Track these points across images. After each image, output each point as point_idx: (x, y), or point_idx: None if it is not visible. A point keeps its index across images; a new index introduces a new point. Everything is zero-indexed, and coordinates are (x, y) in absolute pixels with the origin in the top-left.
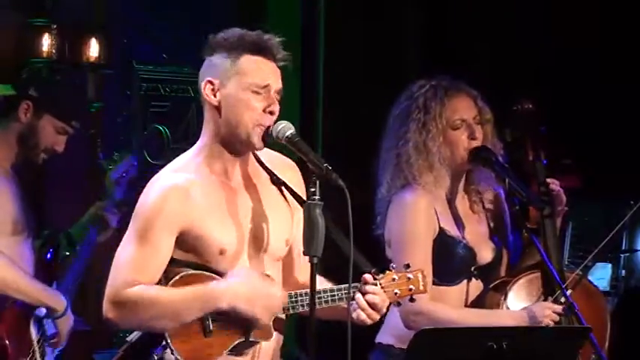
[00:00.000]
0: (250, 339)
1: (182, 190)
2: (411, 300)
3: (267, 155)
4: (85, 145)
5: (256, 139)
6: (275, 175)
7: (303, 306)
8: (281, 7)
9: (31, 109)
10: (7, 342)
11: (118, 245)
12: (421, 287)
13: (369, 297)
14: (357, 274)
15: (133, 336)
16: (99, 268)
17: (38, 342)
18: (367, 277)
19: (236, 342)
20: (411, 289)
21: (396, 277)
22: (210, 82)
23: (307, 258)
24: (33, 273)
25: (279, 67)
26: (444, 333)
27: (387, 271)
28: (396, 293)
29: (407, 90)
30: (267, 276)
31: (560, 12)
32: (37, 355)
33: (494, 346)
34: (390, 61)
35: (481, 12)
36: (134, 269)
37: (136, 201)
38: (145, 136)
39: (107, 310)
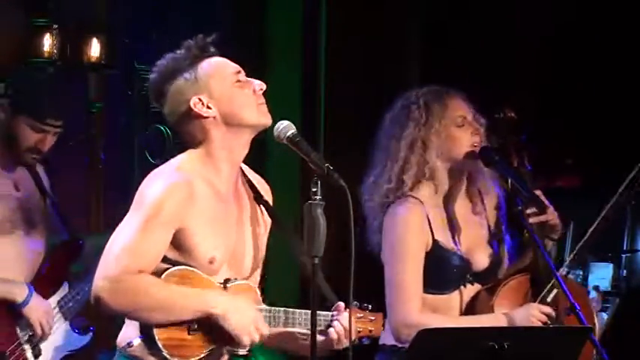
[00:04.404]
0: (227, 347)
1: (187, 189)
2: (361, 341)
3: (251, 174)
4: (87, 145)
5: (264, 117)
6: (259, 193)
7: (276, 322)
8: (281, 9)
9: (7, 109)
10: None
11: None
12: (379, 331)
13: (345, 321)
14: (324, 303)
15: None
16: None
17: (30, 341)
18: (342, 304)
19: (213, 346)
20: (370, 331)
21: (361, 316)
22: (199, 100)
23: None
24: (31, 272)
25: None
26: (445, 333)
27: (354, 307)
28: (358, 331)
29: (402, 98)
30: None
31: (560, 12)
32: (29, 353)
33: (495, 346)
34: (391, 61)
35: (481, 14)
36: (133, 255)
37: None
38: (146, 136)
39: (100, 289)
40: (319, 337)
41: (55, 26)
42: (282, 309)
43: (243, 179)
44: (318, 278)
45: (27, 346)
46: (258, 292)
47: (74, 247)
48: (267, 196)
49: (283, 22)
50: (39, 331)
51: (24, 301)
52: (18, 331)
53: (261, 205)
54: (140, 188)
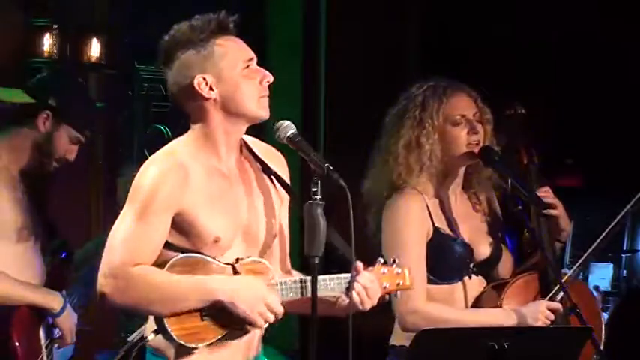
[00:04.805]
0: (244, 327)
1: (181, 172)
2: (395, 295)
3: (257, 145)
4: (86, 145)
5: (263, 111)
6: (266, 166)
7: (294, 293)
8: (282, 8)
9: (50, 119)
10: (17, 344)
11: None
12: (407, 282)
13: (363, 281)
14: (345, 263)
15: (134, 336)
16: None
17: (47, 347)
18: (360, 264)
19: (228, 329)
20: (398, 284)
21: (385, 271)
22: (204, 79)
23: (278, 242)
24: (42, 279)
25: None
26: (446, 333)
27: (377, 264)
28: (385, 286)
29: (406, 91)
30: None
31: (559, 12)
32: (45, 358)
33: (496, 347)
34: (392, 60)
35: (481, 13)
36: (133, 247)
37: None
38: (146, 136)
39: (103, 284)
40: (345, 301)
41: (55, 26)
42: (299, 278)
43: (246, 153)
44: (335, 238)
45: (45, 353)
46: (272, 270)
47: (65, 257)
48: (278, 167)
49: (283, 21)
50: (69, 340)
51: (60, 310)
52: (42, 339)
53: (272, 177)
54: (135, 179)
